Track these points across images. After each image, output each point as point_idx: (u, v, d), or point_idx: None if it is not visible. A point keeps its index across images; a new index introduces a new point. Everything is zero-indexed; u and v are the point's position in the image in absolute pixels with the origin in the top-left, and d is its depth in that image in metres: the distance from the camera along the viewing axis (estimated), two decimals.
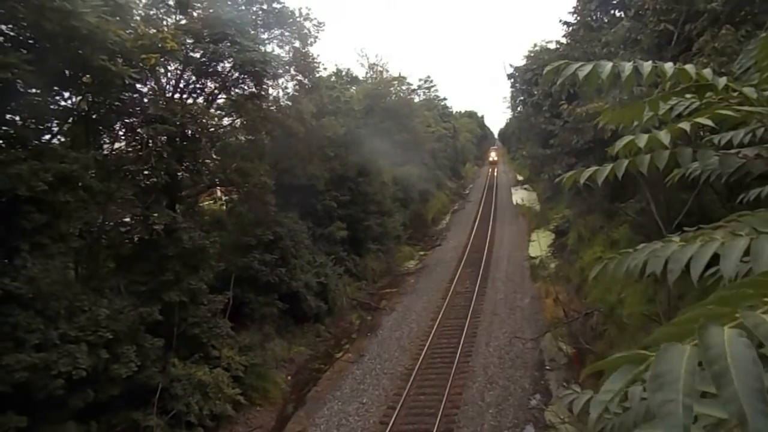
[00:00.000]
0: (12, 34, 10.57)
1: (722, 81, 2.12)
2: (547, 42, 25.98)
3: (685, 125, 2.14)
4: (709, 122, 2.13)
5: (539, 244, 31.30)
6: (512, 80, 30.13)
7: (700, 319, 1.01)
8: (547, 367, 16.74)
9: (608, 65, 2.11)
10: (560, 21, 22.01)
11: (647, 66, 2.10)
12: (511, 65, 29.64)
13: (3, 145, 10.68)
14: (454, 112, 75.98)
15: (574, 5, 20.85)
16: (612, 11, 19.48)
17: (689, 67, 2.11)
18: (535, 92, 24.10)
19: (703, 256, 1.66)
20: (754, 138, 2.48)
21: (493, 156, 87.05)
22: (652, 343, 1.12)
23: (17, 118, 11.16)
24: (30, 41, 10.70)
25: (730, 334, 0.92)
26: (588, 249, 22.31)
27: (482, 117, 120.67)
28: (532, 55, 27.22)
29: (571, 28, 21.64)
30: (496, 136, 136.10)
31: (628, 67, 2.10)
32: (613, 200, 19.08)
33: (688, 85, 2.20)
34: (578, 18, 20.75)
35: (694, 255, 1.67)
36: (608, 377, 1.12)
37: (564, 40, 22.81)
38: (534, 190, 49.21)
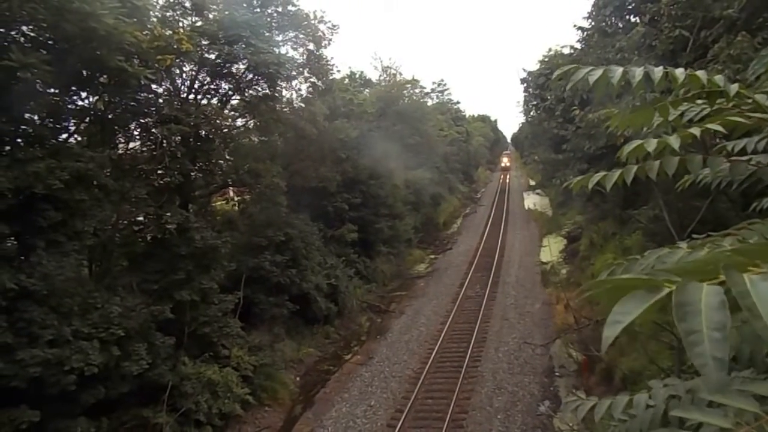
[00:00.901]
0: (32, 34, 10.73)
1: (734, 87, 2.10)
2: (562, 47, 25.85)
3: (695, 131, 2.12)
4: (719, 128, 2.11)
5: (551, 250, 31.13)
6: (525, 85, 29.98)
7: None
8: (557, 374, 16.60)
9: (619, 70, 2.09)
10: (575, 26, 21.90)
11: (658, 72, 2.08)
12: (524, 69, 29.41)
13: (21, 144, 10.85)
14: (467, 116, 75.72)
15: (589, 10, 20.75)
16: (627, 17, 19.33)
17: (700, 73, 2.10)
18: (548, 97, 23.97)
19: None
20: (767, 145, 2.45)
21: (505, 161, 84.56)
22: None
23: (35, 117, 11.34)
24: (49, 42, 10.85)
25: (708, 287, 0.95)
26: (600, 255, 22.12)
27: (495, 121, 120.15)
28: (546, 59, 27.09)
29: (585, 33, 21.51)
30: (508, 140, 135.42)
31: (638, 72, 2.08)
32: (626, 207, 18.93)
33: (700, 91, 2.18)
34: (593, 23, 20.63)
35: None
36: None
37: (578, 45, 22.70)
38: (546, 195, 48.89)
